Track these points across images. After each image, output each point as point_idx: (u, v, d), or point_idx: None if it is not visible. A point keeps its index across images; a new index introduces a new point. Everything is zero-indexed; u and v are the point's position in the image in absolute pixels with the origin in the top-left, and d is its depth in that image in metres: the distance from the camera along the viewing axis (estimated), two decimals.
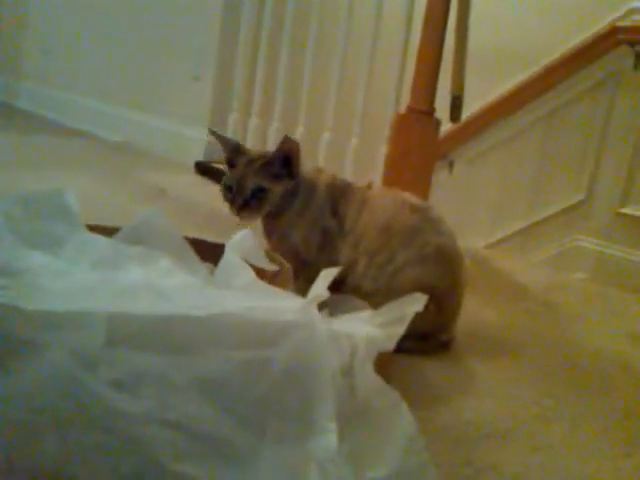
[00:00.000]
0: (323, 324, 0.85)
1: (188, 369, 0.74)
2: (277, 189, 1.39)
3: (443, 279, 1.36)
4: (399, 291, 1.11)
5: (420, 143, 2.26)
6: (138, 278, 0.98)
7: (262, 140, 3.28)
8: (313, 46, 3.11)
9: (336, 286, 1.12)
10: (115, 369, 0.71)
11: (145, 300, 0.86)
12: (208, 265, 1.25)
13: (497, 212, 3.73)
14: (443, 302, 1.36)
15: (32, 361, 0.69)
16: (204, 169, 3.34)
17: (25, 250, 0.95)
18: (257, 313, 0.83)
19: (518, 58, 3.57)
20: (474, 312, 1.66)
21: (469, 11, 2.23)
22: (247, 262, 1.09)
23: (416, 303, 0.94)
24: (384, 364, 0.91)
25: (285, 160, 1.39)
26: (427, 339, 1.37)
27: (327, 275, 0.95)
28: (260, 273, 1.10)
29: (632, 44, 3.31)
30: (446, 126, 2.48)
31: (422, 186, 2.28)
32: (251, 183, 1.37)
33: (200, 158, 3.49)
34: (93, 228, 1.15)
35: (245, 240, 1.15)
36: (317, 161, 3.00)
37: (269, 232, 1.46)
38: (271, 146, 2.86)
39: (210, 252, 1.26)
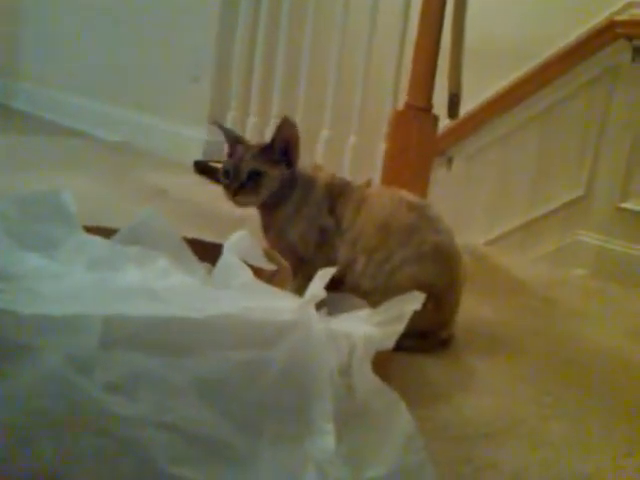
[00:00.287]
0: (321, 324, 0.85)
1: (185, 371, 0.74)
2: (274, 173, 1.39)
3: (441, 277, 1.36)
4: (397, 289, 1.11)
5: (418, 140, 2.26)
6: (135, 279, 0.98)
7: (260, 139, 3.27)
8: (310, 44, 3.11)
9: (335, 285, 1.12)
10: (111, 372, 0.71)
11: (142, 302, 0.86)
12: (206, 265, 1.25)
13: (496, 208, 3.73)
14: (442, 300, 1.35)
15: (27, 364, 0.69)
16: (203, 168, 3.34)
17: (21, 252, 0.95)
18: (254, 313, 0.83)
19: (515, 54, 3.57)
20: (473, 309, 1.66)
21: (465, 7, 2.23)
22: (245, 262, 1.09)
23: (414, 301, 0.94)
24: (383, 363, 0.90)
25: (285, 147, 1.40)
26: (426, 337, 1.37)
27: (324, 274, 0.95)
28: (258, 273, 1.09)
29: (630, 38, 3.30)
30: (444, 122, 2.48)
31: (421, 183, 2.28)
32: (247, 166, 1.37)
33: (199, 157, 3.49)
34: (91, 229, 1.15)
35: (243, 240, 1.15)
36: (315, 158, 3.00)
37: (266, 228, 1.46)
38: None
39: (208, 252, 1.25)
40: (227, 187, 1.39)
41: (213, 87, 3.62)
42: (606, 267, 3.35)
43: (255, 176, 1.37)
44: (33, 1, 4.94)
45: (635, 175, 3.37)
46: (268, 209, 1.44)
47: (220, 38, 3.55)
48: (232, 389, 0.76)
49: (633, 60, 3.32)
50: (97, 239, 1.10)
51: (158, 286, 0.96)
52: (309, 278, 0.96)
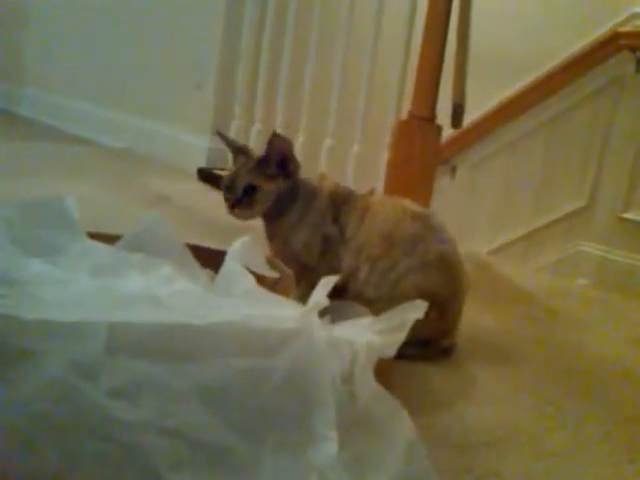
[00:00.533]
0: (323, 331, 0.85)
1: (188, 377, 0.74)
2: (268, 187, 1.39)
3: (445, 286, 1.36)
4: (401, 298, 1.11)
5: (421, 149, 2.27)
6: (138, 286, 0.98)
7: (264, 147, 3.27)
8: (314, 53, 3.11)
9: (338, 293, 1.12)
10: (114, 378, 0.71)
11: (145, 308, 0.86)
12: (209, 272, 1.25)
13: (499, 217, 3.73)
14: (445, 309, 1.36)
15: (31, 370, 0.69)
16: (207, 176, 3.34)
17: (25, 258, 0.95)
18: (257, 321, 0.84)
19: (520, 64, 3.58)
20: (476, 318, 1.66)
21: (470, 17, 2.23)
22: (248, 269, 1.09)
23: (417, 310, 0.94)
24: (385, 370, 0.90)
25: (281, 160, 1.40)
26: (428, 345, 1.37)
27: (327, 283, 0.95)
28: (261, 280, 1.10)
29: (633, 49, 3.31)
30: (448, 131, 2.48)
31: (424, 192, 2.28)
32: (243, 181, 1.38)
33: (203, 165, 3.50)
34: (94, 236, 1.16)
35: (246, 247, 1.16)
36: (319, 167, 3.01)
37: (271, 236, 1.47)
38: None
39: (211, 259, 1.26)
40: (226, 201, 1.40)
41: (217, 94, 3.63)
42: (608, 277, 3.34)
43: (250, 190, 1.38)
44: (37, 7, 4.96)
45: (638, 186, 3.37)
46: (272, 219, 1.44)
47: (225, 45, 3.56)
48: (235, 396, 0.76)
49: (637, 71, 3.33)
50: (101, 245, 1.11)
51: (161, 293, 0.96)
52: (312, 286, 0.96)
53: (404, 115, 2.39)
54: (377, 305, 1.23)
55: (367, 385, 0.82)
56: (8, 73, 5.28)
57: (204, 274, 1.23)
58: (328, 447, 0.75)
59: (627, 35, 3.31)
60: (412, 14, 2.71)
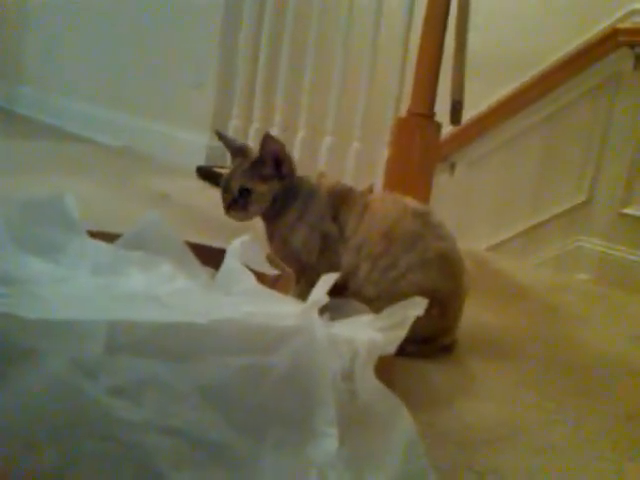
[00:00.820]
0: (323, 329, 0.85)
1: (189, 376, 0.74)
2: (262, 189, 1.39)
3: (445, 284, 1.36)
4: (401, 296, 1.10)
5: (421, 146, 2.27)
6: (139, 285, 0.98)
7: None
8: (313, 51, 3.12)
9: (338, 291, 1.12)
10: (115, 377, 0.71)
11: (146, 307, 0.86)
12: (209, 270, 1.25)
13: (499, 214, 3.73)
14: (446, 306, 1.36)
15: (31, 369, 0.69)
16: (206, 174, 3.34)
17: (25, 257, 0.95)
18: (257, 319, 0.83)
19: (519, 61, 3.58)
20: (476, 314, 1.66)
21: (469, 14, 2.23)
22: (248, 267, 1.09)
23: (417, 307, 0.94)
24: (385, 368, 0.90)
25: (275, 161, 1.40)
26: (429, 343, 1.37)
27: (327, 280, 0.95)
28: (261, 278, 1.10)
29: (632, 46, 3.32)
30: (447, 128, 2.49)
31: (423, 189, 2.28)
32: (237, 183, 1.39)
33: (202, 163, 3.50)
34: (94, 234, 1.16)
35: (246, 245, 1.16)
36: (318, 165, 3.01)
37: (270, 235, 1.47)
38: None
39: (211, 257, 1.26)
40: (223, 201, 1.41)
41: (216, 93, 3.64)
42: (608, 272, 3.35)
43: (245, 193, 1.38)
44: (37, 7, 4.96)
45: (637, 181, 3.37)
46: (271, 218, 1.44)
47: (223, 43, 3.57)
48: (235, 394, 0.76)
49: (635, 68, 3.33)
50: (101, 244, 1.11)
51: (162, 291, 0.96)
52: (312, 284, 0.97)
53: (403, 112, 2.39)
54: (377, 303, 1.23)
55: (367, 382, 0.82)
56: (8, 72, 5.29)
57: (204, 272, 1.23)
58: (328, 444, 0.75)
59: (626, 32, 3.32)
60: (411, 11, 2.72)
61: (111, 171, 3.32)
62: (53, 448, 0.66)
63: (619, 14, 3.40)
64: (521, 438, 1.10)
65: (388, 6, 2.84)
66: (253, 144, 3.16)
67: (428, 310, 0.96)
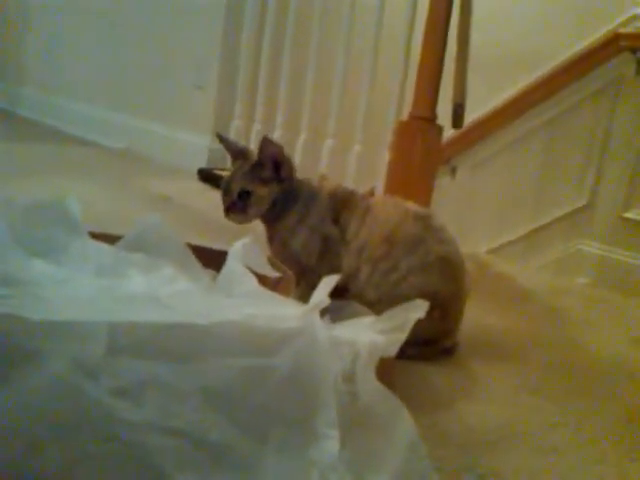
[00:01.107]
0: (325, 331, 0.86)
1: (190, 377, 0.74)
2: (262, 192, 1.40)
3: (446, 287, 1.36)
4: (402, 299, 1.10)
5: (422, 150, 2.27)
6: (140, 286, 0.98)
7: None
8: (315, 53, 3.12)
9: (339, 293, 1.12)
10: (117, 378, 0.71)
11: (148, 308, 0.86)
12: (210, 272, 1.25)
13: (500, 217, 3.73)
14: (446, 309, 1.36)
15: (34, 370, 0.69)
16: (207, 176, 3.35)
17: (27, 259, 0.96)
18: (259, 321, 0.84)
19: (520, 64, 3.58)
20: (477, 317, 1.66)
21: (471, 18, 2.24)
22: (249, 269, 1.09)
23: (418, 309, 0.94)
24: (386, 370, 0.91)
25: (274, 164, 1.40)
26: (430, 345, 1.37)
27: (328, 282, 0.95)
28: (262, 280, 1.10)
29: (634, 51, 3.32)
30: (449, 132, 2.49)
31: (424, 192, 2.29)
32: (236, 186, 1.39)
33: (203, 165, 3.50)
34: (96, 236, 1.16)
35: (247, 247, 1.16)
36: (320, 167, 3.01)
37: (270, 237, 1.47)
38: None
39: (213, 259, 1.26)
40: (223, 204, 1.41)
41: (218, 94, 3.64)
42: (609, 276, 3.35)
43: (244, 195, 1.39)
44: (38, 8, 4.96)
45: (638, 185, 3.38)
46: (271, 221, 1.45)
47: (225, 45, 3.57)
48: (237, 395, 0.76)
49: (637, 72, 3.34)
50: (103, 246, 1.11)
51: (163, 293, 0.96)
52: (312, 287, 0.97)
53: (405, 115, 2.39)
54: (378, 306, 1.23)
55: (369, 384, 0.82)
56: (9, 73, 5.29)
57: (205, 274, 1.24)
58: (330, 446, 0.76)
59: (628, 36, 3.32)
60: (413, 14, 2.72)
61: (112, 173, 3.32)
62: (56, 448, 0.66)
63: (621, 19, 3.41)
64: (522, 440, 1.10)
65: (390, 8, 2.84)
66: (255, 146, 3.17)
67: (429, 313, 0.97)
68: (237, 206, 1.40)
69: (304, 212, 1.43)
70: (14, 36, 5.23)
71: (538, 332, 1.76)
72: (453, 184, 3.82)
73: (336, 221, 1.43)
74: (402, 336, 0.90)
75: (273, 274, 1.24)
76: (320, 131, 3.09)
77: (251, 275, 1.06)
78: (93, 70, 4.49)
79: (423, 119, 2.26)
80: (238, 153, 1.46)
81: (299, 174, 1.47)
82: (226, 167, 3.00)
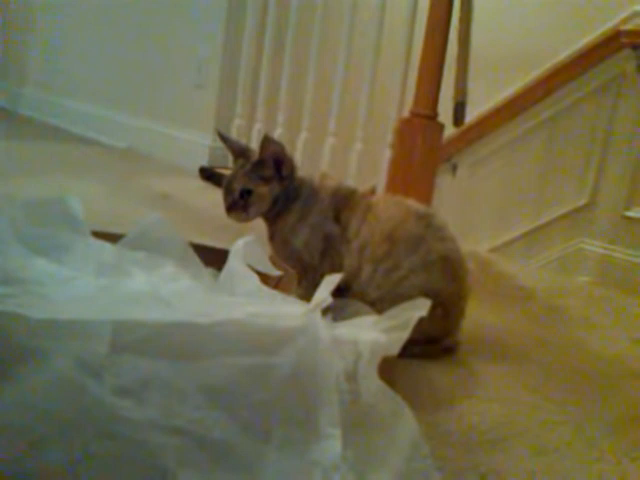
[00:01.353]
0: (327, 330, 0.86)
1: (193, 375, 0.75)
2: (262, 191, 1.39)
3: (448, 286, 1.36)
4: (404, 298, 1.11)
5: (423, 147, 2.27)
6: (142, 285, 0.98)
7: None
8: (316, 51, 3.12)
9: (341, 292, 1.12)
10: (120, 376, 0.71)
11: (150, 307, 0.87)
12: (212, 271, 1.25)
13: (501, 215, 3.73)
14: (448, 308, 1.36)
15: (37, 369, 0.69)
16: (208, 175, 3.35)
17: (30, 257, 0.96)
18: (261, 319, 0.84)
19: (521, 62, 3.58)
20: (478, 316, 1.66)
21: (472, 15, 2.24)
22: (251, 267, 1.10)
23: (420, 308, 0.95)
24: (388, 369, 0.91)
25: (275, 162, 1.40)
26: (432, 344, 1.37)
27: (330, 281, 0.96)
28: (264, 278, 1.10)
29: (635, 47, 3.32)
30: (450, 129, 2.49)
31: (425, 190, 2.28)
32: (238, 185, 1.39)
33: (204, 163, 3.50)
34: (98, 235, 1.16)
35: (249, 246, 1.16)
36: (321, 166, 3.01)
37: (271, 236, 1.47)
38: None
39: (214, 258, 1.26)
40: (224, 203, 1.41)
41: (219, 93, 3.63)
42: (610, 275, 3.35)
43: (246, 194, 1.39)
44: (41, 8, 4.96)
45: None
46: (272, 219, 1.45)
47: (226, 43, 3.57)
48: (239, 394, 0.76)
49: (638, 69, 3.33)
50: (105, 244, 1.11)
51: (165, 291, 0.96)
52: (314, 285, 0.97)
53: (406, 113, 2.39)
54: (380, 305, 1.23)
55: (371, 383, 0.82)
56: (12, 73, 5.29)
57: (207, 273, 1.24)
58: (332, 444, 0.76)
59: (629, 33, 3.32)
60: (414, 12, 2.71)
61: (114, 172, 3.32)
62: (59, 446, 0.66)
63: (622, 15, 3.40)
64: (523, 439, 1.10)
65: (391, 5, 2.84)
66: (256, 144, 3.16)
67: (431, 311, 0.97)
68: (239, 205, 1.40)
69: (305, 210, 1.43)
70: (16, 36, 5.23)
71: (539, 331, 1.76)
72: (454, 182, 3.82)
73: (337, 219, 1.42)
74: (404, 335, 0.91)
75: (275, 272, 1.24)
76: (321, 129, 3.09)
77: (253, 274, 1.07)
78: (95, 69, 4.49)
79: (424, 117, 2.26)
80: (239, 152, 1.46)
81: (300, 172, 1.47)
82: (228, 166, 3.01)
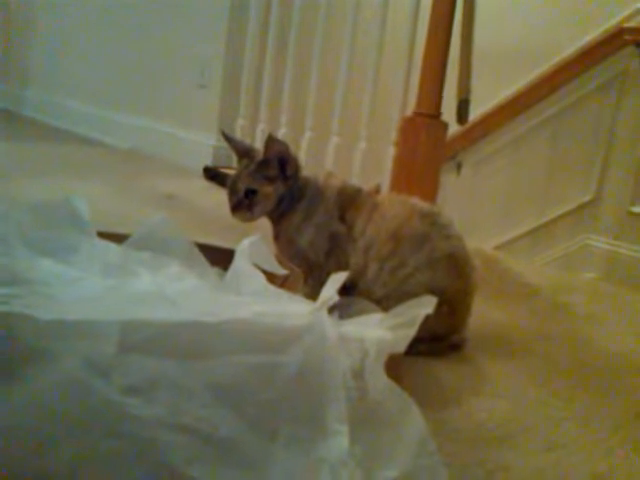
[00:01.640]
0: (333, 328, 0.86)
1: (200, 374, 0.75)
2: (267, 190, 1.40)
3: (453, 283, 1.36)
4: (410, 296, 1.11)
5: (427, 146, 2.27)
6: (149, 285, 0.98)
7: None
8: (319, 50, 3.12)
9: (347, 290, 1.13)
10: (128, 375, 0.71)
11: (157, 307, 0.87)
12: (218, 270, 1.25)
13: (506, 213, 3.73)
14: (455, 305, 1.36)
15: (46, 369, 0.70)
16: (212, 174, 3.35)
17: (37, 258, 0.96)
18: (267, 318, 0.84)
19: (525, 59, 3.58)
20: (484, 313, 1.66)
21: (474, 13, 2.24)
22: (257, 267, 1.10)
23: (426, 306, 0.95)
24: (395, 366, 0.91)
25: (280, 162, 1.41)
26: (439, 341, 1.37)
27: (336, 279, 0.96)
28: (270, 277, 1.10)
29: (638, 44, 3.32)
30: (454, 127, 2.49)
31: (430, 188, 2.28)
32: (242, 185, 1.40)
33: (209, 163, 3.51)
34: (103, 235, 1.16)
35: (255, 245, 1.16)
36: (325, 165, 3.01)
37: (277, 235, 1.47)
38: None
39: (220, 257, 1.26)
40: (229, 203, 1.42)
41: (222, 93, 3.64)
42: (616, 271, 3.34)
43: (250, 194, 1.39)
44: (43, 9, 4.97)
45: None
46: (277, 219, 1.45)
47: (230, 43, 3.57)
48: (246, 392, 0.77)
49: None
50: (111, 245, 1.11)
51: (172, 291, 0.96)
52: (320, 284, 0.97)
53: (410, 112, 2.39)
54: (386, 303, 1.24)
55: (378, 380, 0.83)
56: (14, 74, 5.31)
57: (213, 272, 1.24)
58: (339, 442, 0.76)
59: (632, 30, 3.31)
60: (416, 10, 2.71)
61: (118, 172, 3.33)
62: (67, 446, 0.67)
63: (625, 13, 3.40)
64: (530, 435, 1.10)
65: (393, 5, 2.84)
66: (260, 144, 3.17)
67: (437, 309, 0.97)
68: (243, 204, 1.40)
69: (310, 210, 1.43)
70: (18, 37, 5.25)
71: (546, 327, 1.76)
72: (458, 180, 3.82)
73: (342, 218, 1.43)
74: (411, 332, 0.91)
75: (281, 271, 1.24)
76: (325, 129, 3.09)
77: (259, 273, 1.07)
78: (98, 70, 4.50)
79: (428, 115, 2.26)
80: (244, 152, 1.46)
81: (305, 172, 1.47)
82: (232, 165, 3.01)
